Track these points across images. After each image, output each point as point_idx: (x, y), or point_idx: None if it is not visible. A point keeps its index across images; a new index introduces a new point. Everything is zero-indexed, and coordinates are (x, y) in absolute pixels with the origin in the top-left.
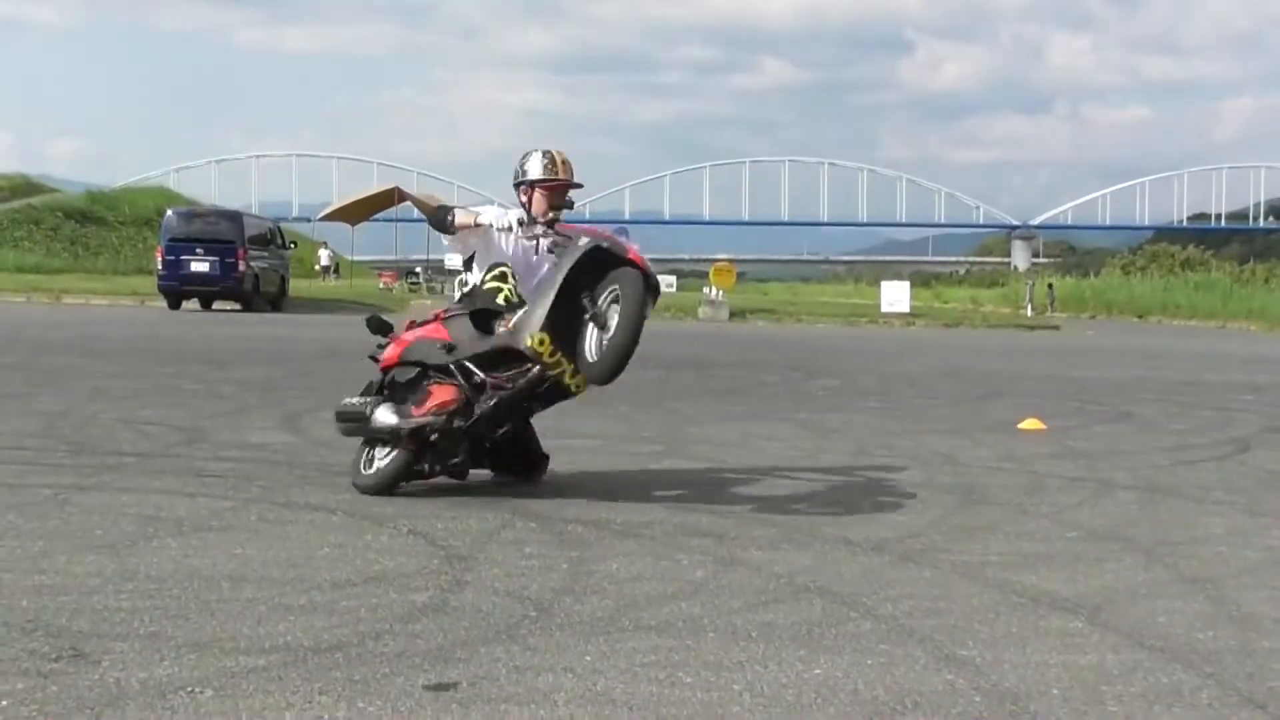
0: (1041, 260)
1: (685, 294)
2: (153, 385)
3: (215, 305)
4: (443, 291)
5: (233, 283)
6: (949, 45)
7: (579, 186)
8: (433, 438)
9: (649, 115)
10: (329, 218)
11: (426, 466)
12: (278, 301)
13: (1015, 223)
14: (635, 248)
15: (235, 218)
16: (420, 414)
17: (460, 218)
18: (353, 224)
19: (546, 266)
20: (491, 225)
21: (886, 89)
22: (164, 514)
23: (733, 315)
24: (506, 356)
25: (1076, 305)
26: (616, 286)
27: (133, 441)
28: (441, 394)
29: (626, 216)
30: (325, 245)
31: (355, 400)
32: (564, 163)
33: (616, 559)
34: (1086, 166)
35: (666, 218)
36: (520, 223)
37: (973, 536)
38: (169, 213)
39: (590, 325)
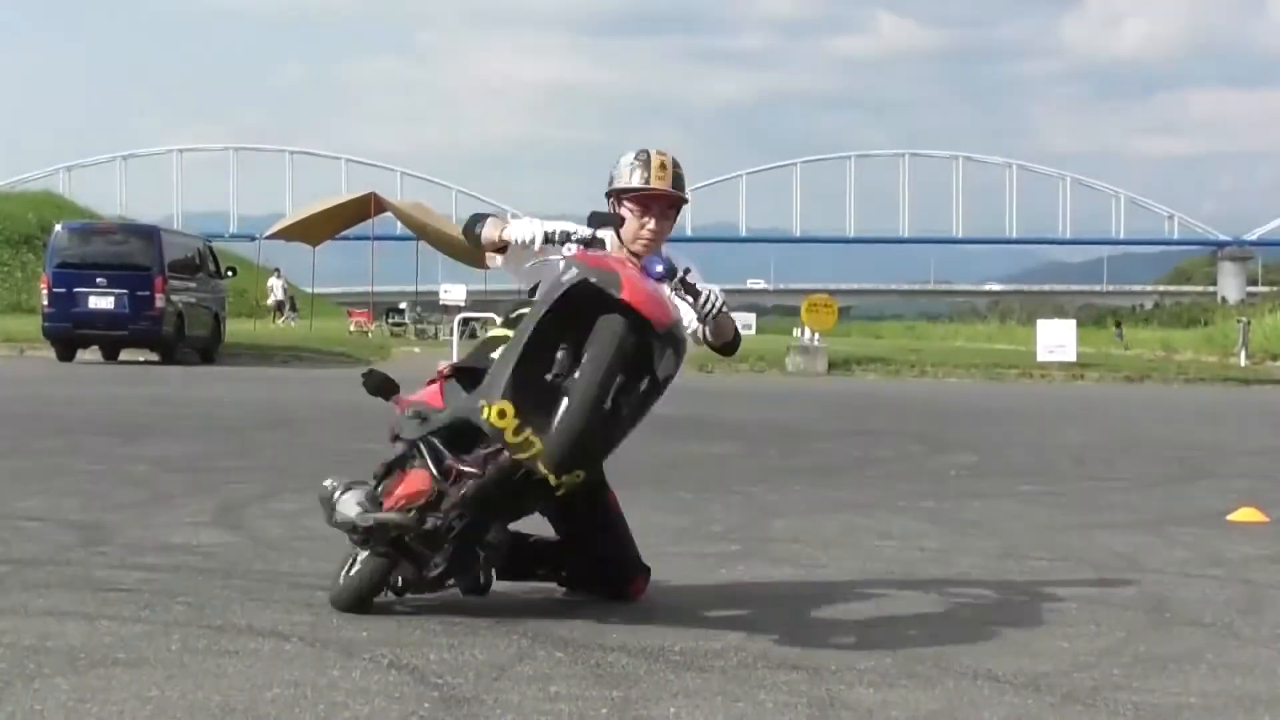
0: (1261, 289)
1: (768, 337)
2: (36, 466)
3: (123, 355)
4: (437, 336)
5: (147, 324)
6: None
7: (684, 200)
8: (402, 538)
9: (718, 93)
10: (281, 235)
11: (400, 579)
12: (210, 349)
13: (1224, 238)
14: (635, 278)
15: (151, 235)
16: (388, 507)
17: (487, 230)
18: (314, 244)
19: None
20: (517, 242)
21: (1046, 56)
22: (51, 643)
23: (832, 367)
24: (475, 433)
25: None
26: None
27: (8, 544)
28: (412, 481)
29: (688, 232)
30: (278, 273)
31: (331, 482)
32: (663, 166)
33: (675, 700)
34: None
35: (743, 233)
36: (551, 239)
37: (1164, 670)
38: (58, 228)
39: (564, 396)
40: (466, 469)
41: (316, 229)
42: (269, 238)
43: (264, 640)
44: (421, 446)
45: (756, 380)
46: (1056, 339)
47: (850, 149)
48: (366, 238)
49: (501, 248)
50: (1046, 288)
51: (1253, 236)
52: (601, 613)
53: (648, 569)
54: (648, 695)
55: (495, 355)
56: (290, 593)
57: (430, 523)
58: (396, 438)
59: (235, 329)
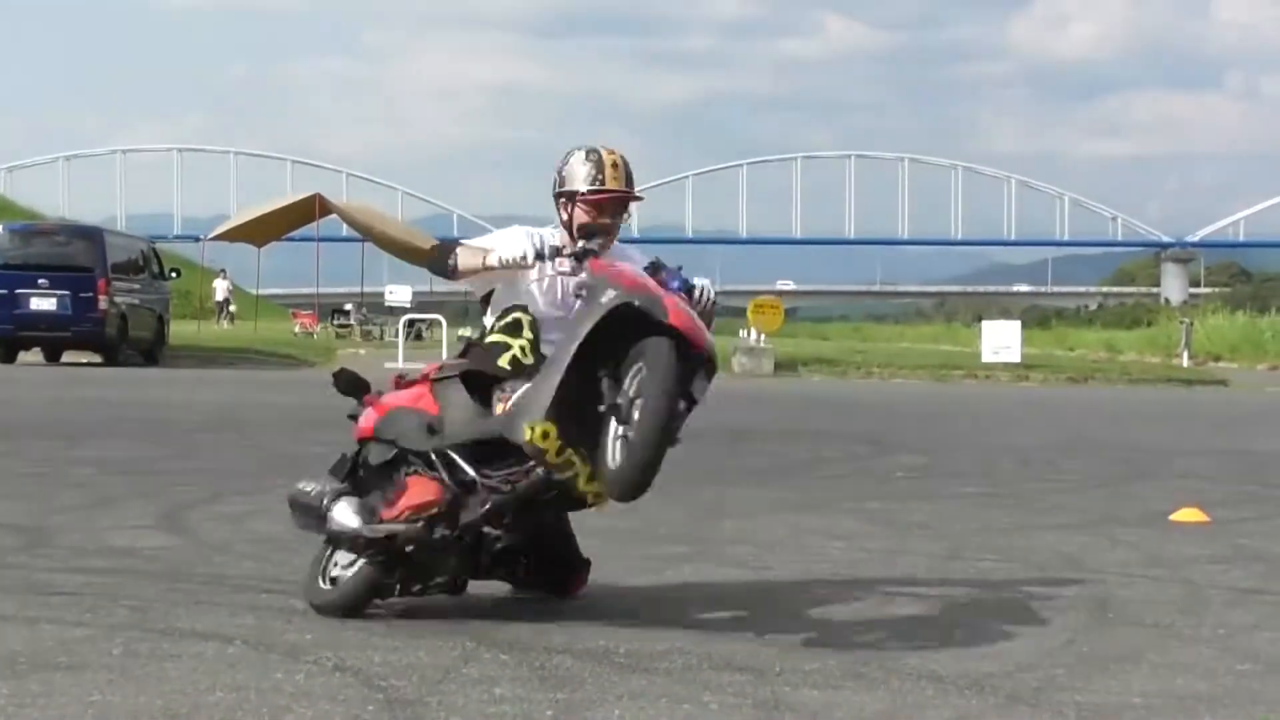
0: (1203, 290)
1: (715, 338)
2: None
3: (66, 357)
4: (382, 337)
5: (89, 326)
6: None
7: (637, 199)
8: (407, 549)
9: (664, 94)
10: (226, 236)
11: (399, 585)
12: (154, 351)
13: (1167, 239)
14: (676, 301)
15: (93, 236)
16: (389, 517)
17: (464, 259)
18: (259, 245)
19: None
20: (504, 263)
21: (991, 58)
22: None
23: (779, 368)
24: (504, 448)
25: (1252, 351)
26: (641, 365)
27: None
28: (419, 491)
29: (635, 233)
30: (223, 274)
31: (312, 485)
32: (615, 165)
33: (619, 703)
34: (1266, 162)
35: (689, 234)
36: (542, 255)
37: (1107, 670)
38: None
39: (611, 419)
40: (491, 484)
41: (262, 231)
42: (214, 239)
43: (208, 643)
44: (434, 457)
45: None
46: (1002, 340)
47: (796, 150)
48: (312, 239)
49: (478, 272)
50: (992, 289)
51: (1195, 238)
52: (546, 614)
53: (588, 562)
54: (592, 697)
55: (504, 362)
56: (234, 596)
57: (439, 534)
58: (367, 441)
59: (179, 331)
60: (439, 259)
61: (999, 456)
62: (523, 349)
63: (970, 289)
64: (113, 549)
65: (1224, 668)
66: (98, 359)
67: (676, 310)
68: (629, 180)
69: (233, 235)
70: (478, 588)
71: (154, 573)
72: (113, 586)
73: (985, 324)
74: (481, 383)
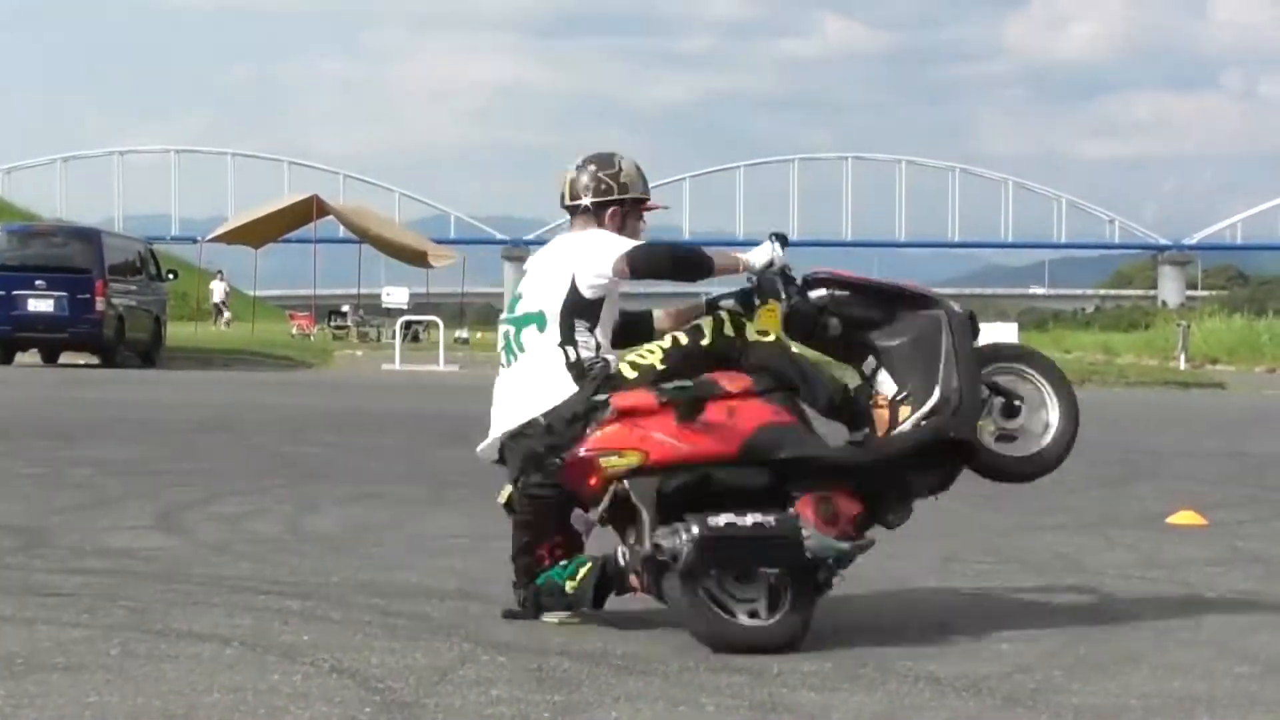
0: (1200, 293)
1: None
2: None
3: (63, 358)
4: (379, 339)
5: (87, 327)
6: None
7: (647, 202)
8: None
9: (662, 94)
10: (224, 238)
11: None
12: (151, 353)
13: (1164, 242)
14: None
15: (91, 238)
16: (830, 530)
17: (725, 260)
18: (256, 246)
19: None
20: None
21: (989, 59)
22: None
23: None
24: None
25: (1249, 354)
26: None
27: None
28: (850, 503)
29: (685, 235)
30: (220, 275)
31: (666, 542)
32: (630, 170)
33: (616, 705)
34: (1265, 164)
35: (686, 236)
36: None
37: (1104, 671)
38: None
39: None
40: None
41: (259, 232)
42: (211, 240)
43: (204, 644)
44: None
45: None
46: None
47: (794, 152)
48: (309, 240)
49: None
50: (988, 291)
51: (1193, 240)
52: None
53: None
54: (589, 699)
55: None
56: (232, 597)
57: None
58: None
59: (176, 332)
60: (697, 262)
61: None
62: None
63: (967, 291)
64: (110, 550)
65: (1222, 669)
66: (95, 360)
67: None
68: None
69: (231, 237)
70: (477, 590)
71: (151, 573)
72: (110, 587)
73: (982, 326)
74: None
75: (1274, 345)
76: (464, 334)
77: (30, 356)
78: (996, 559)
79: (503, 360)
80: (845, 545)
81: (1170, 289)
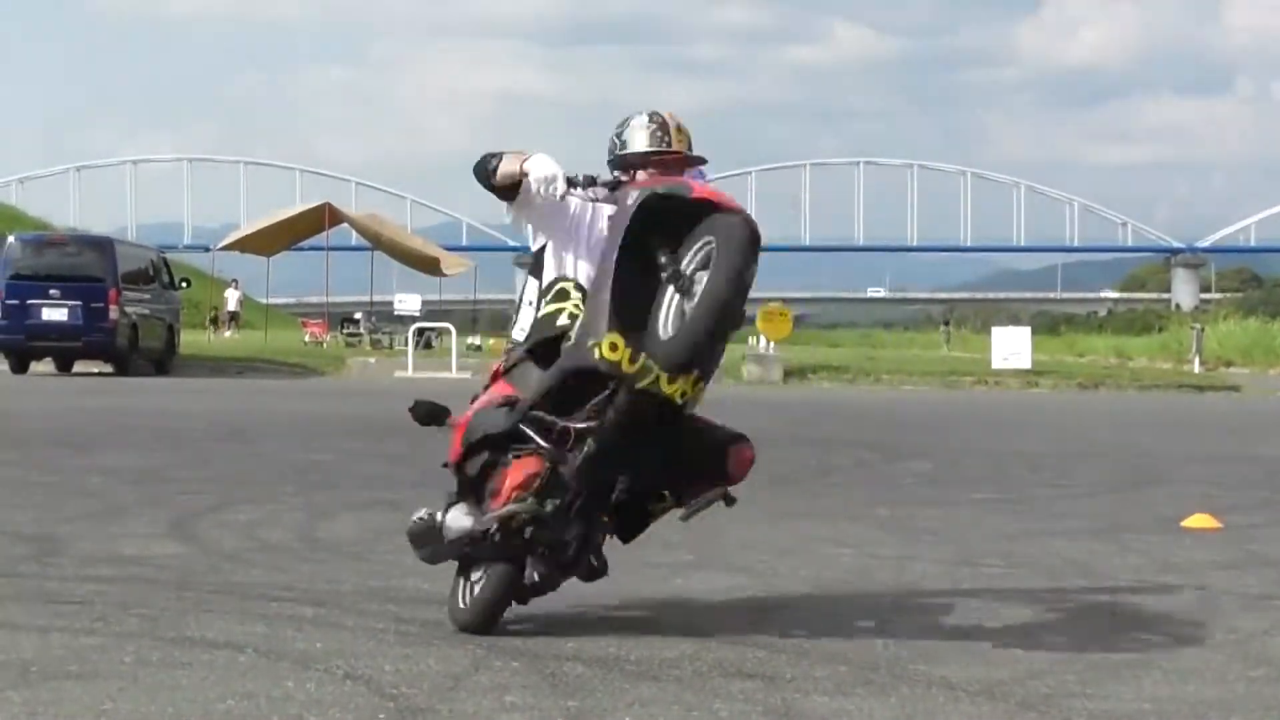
0: (1214, 295)
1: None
2: None
3: (77, 367)
4: (392, 346)
5: (101, 336)
6: (1086, 2)
7: (702, 161)
8: (527, 533)
9: (673, 101)
10: (236, 246)
11: (535, 575)
12: (164, 361)
13: (1178, 245)
14: (698, 182)
15: (104, 247)
16: (497, 505)
17: (505, 165)
18: (269, 255)
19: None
20: (532, 178)
21: (1001, 63)
22: (3, 656)
23: (788, 375)
24: (580, 385)
25: (1263, 357)
26: (709, 239)
27: None
28: (517, 470)
29: None
30: (235, 284)
31: (422, 513)
32: (679, 128)
33: (630, 710)
34: (1278, 167)
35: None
36: (575, 182)
37: (1118, 676)
38: (10, 239)
39: (669, 291)
40: (581, 425)
41: (271, 240)
42: (223, 249)
43: (218, 652)
44: (524, 428)
45: (712, 389)
46: (1011, 346)
47: (805, 158)
48: (321, 248)
49: (515, 184)
50: (1001, 295)
51: (1206, 243)
52: (556, 622)
53: (741, 436)
54: (603, 705)
55: (563, 321)
56: (244, 604)
57: (550, 505)
58: (460, 462)
59: (189, 340)
60: (481, 163)
61: (1009, 462)
62: (576, 306)
63: (980, 295)
64: (123, 557)
65: (1236, 673)
66: (109, 369)
67: (701, 187)
68: (690, 145)
69: (243, 245)
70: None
71: (164, 581)
72: (123, 595)
73: (995, 330)
74: (550, 354)
75: None
76: (476, 341)
77: (45, 365)
78: (1009, 563)
79: None
80: (466, 523)
81: (1184, 292)
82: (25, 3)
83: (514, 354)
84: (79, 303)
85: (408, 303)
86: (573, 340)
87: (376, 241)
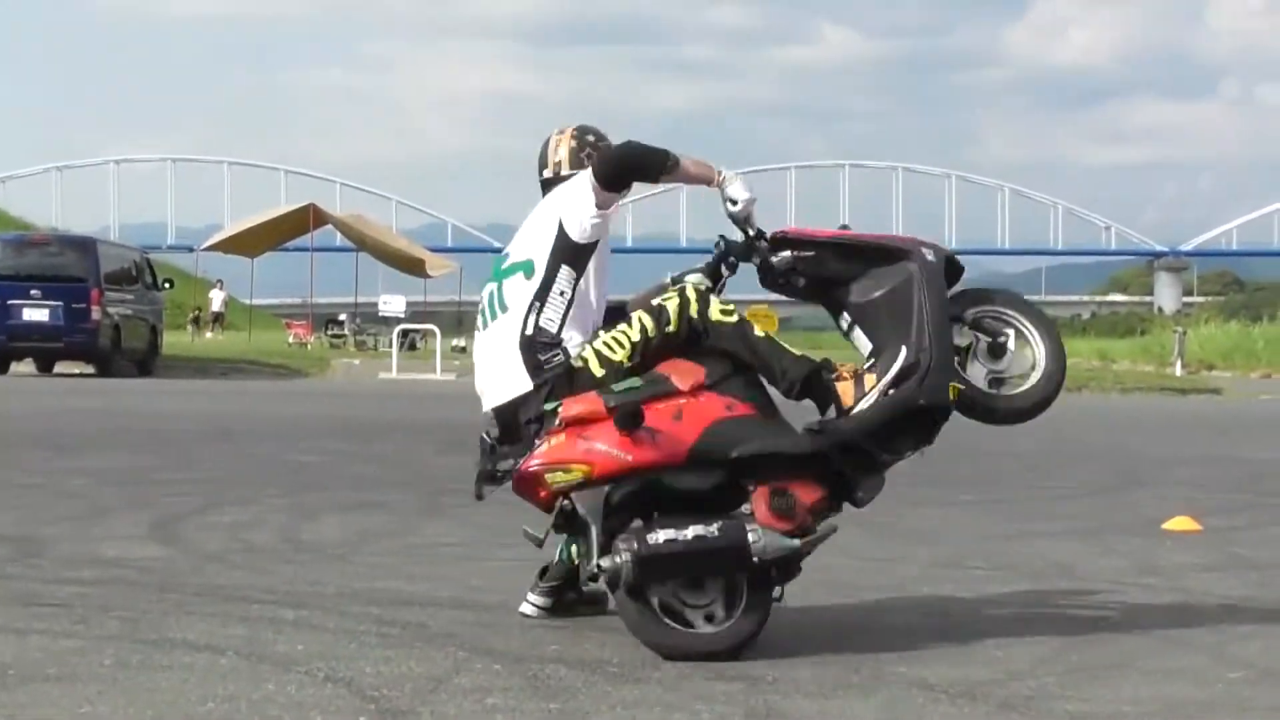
0: (1196, 299)
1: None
2: None
3: (59, 368)
4: (376, 347)
5: (83, 337)
6: (1076, 4)
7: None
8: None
9: (662, 102)
10: (220, 247)
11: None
12: (147, 362)
13: (1160, 248)
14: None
15: (86, 246)
16: (777, 523)
17: (691, 165)
18: (253, 255)
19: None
20: (744, 197)
21: (987, 65)
22: None
23: None
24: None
25: (1245, 360)
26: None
27: None
28: (808, 491)
29: (628, 242)
30: (220, 285)
31: (602, 561)
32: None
33: (613, 712)
34: (1261, 170)
35: (683, 244)
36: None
37: (1099, 678)
38: None
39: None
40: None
41: (255, 241)
42: (207, 249)
43: (199, 654)
44: (834, 454)
45: None
46: None
47: (792, 159)
48: (306, 249)
49: (703, 181)
50: None
51: (1189, 247)
52: (538, 624)
53: None
54: (585, 707)
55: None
56: (226, 606)
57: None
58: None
59: (170, 341)
60: (647, 148)
61: (993, 464)
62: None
63: None
64: (104, 559)
65: (1216, 675)
66: (91, 369)
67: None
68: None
69: (227, 245)
70: (473, 599)
71: (146, 583)
72: (104, 597)
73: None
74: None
75: (1269, 351)
76: (461, 342)
77: (26, 366)
78: (991, 565)
79: (478, 324)
80: (795, 543)
81: (1166, 295)
82: (6, 2)
83: (712, 368)
84: (61, 303)
85: (392, 304)
86: (907, 374)
87: (361, 243)
